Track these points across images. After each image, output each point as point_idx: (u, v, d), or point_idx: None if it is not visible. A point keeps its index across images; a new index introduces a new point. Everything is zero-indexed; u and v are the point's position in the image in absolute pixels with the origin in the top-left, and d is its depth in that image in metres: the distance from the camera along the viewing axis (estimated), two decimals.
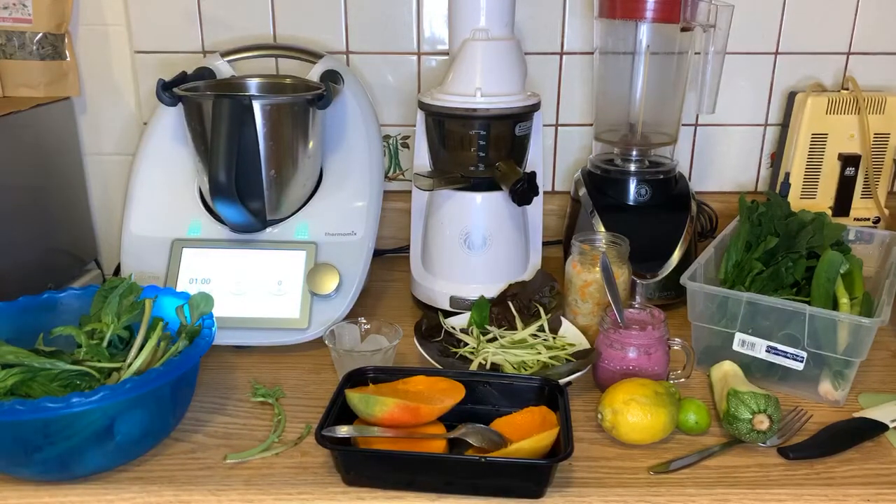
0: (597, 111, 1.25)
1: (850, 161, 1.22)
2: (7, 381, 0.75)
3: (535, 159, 1.13)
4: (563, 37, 1.27)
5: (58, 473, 0.74)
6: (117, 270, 1.15)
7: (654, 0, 1.07)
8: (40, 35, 1.18)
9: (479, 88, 1.02)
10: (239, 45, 1.17)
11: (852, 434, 0.82)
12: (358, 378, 0.83)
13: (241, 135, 0.94)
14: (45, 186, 1.18)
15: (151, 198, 1.07)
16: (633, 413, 0.79)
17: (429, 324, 1.00)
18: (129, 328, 0.86)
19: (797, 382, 0.90)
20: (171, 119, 1.08)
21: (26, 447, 0.71)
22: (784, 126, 1.29)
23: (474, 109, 1.02)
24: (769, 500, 0.73)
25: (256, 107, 0.96)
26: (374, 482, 0.74)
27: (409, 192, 1.16)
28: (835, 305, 0.90)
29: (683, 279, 0.93)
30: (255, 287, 1.00)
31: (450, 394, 0.80)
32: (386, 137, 1.31)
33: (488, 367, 0.92)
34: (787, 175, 1.24)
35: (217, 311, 0.86)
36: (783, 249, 0.98)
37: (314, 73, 1.13)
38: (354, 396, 0.77)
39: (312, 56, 1.15)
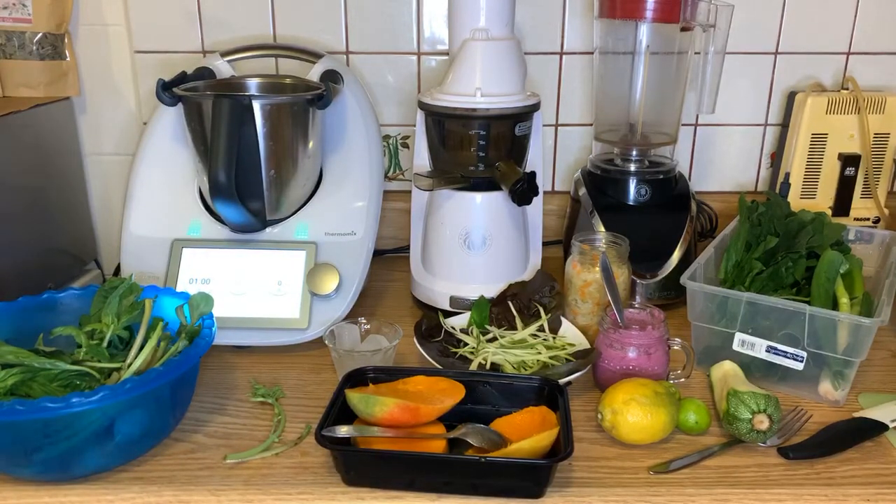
0: (597, 111, 1.25)
1: (850, 161, 1.22)
2: (7, 381, 0.75)
3: (535, 159, 1.13)
4: (563, 37, 1.28)
5: (58, 473, 0.74)
6: (117, 270, 1.15)
7: (654, 0, 1.07)
8: (40, 35, 1.18)
9: (479, 88, 1.02)
10: (239, 45, 1.17)
11: (852, 434, 0.82)
12: (358, 378, 0.83)
13: (240, 135, 0.94)
14: (45, 186, 1.18)
15: (151, 198, 1.07)
16: (633, 413, 0.79)
17: (429, 324, 1.00)
18: (129, 328, 0.86)
19: (797, 382, 0.90)
20: (171, 119, 1.08)
21: (26, 447, 0.71)
22: (784, 126, 1.29)
23: (474, 109, 1.02)
24: (769, 500, 0.73)
25: (256, 107, 0.96)
26: (374, 482, 0.74)
27: (409, 192, 1.16)
28: (835, 305, 0.90)
29: (683, 279, 0.93)
30: (255, 287, 1.00)
31: (450, 394, 0.80)
32: (386, 137, 1.31)
33: (488, 367, 0.92)
34: (787, 175, 1.24)
35: (217, 311, 0.86)
36: (783, 249, 0.98)
37: (314, 73, 1.13)
38: (354, 396, 0.77)
39: (312, 56, 1.15)
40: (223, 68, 1.13)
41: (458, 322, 1.02)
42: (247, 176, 0.98)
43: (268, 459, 0.79)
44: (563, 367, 0.90)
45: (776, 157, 1.32)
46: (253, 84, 1.12)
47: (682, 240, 1.12)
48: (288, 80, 1.12)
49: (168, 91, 0.99)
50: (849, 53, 1.29)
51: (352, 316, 1.00)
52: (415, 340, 0.95)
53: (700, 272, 0.96)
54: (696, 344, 0.96)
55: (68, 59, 1.22)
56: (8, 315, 0.85)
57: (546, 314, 1.00)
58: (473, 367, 0.92)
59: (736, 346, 0.92)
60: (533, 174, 1.01)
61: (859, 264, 0.96)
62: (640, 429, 0.79)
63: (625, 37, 1.16)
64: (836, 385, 0.88)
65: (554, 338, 0.98)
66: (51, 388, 0.76)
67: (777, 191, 1.24)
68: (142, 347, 0.80)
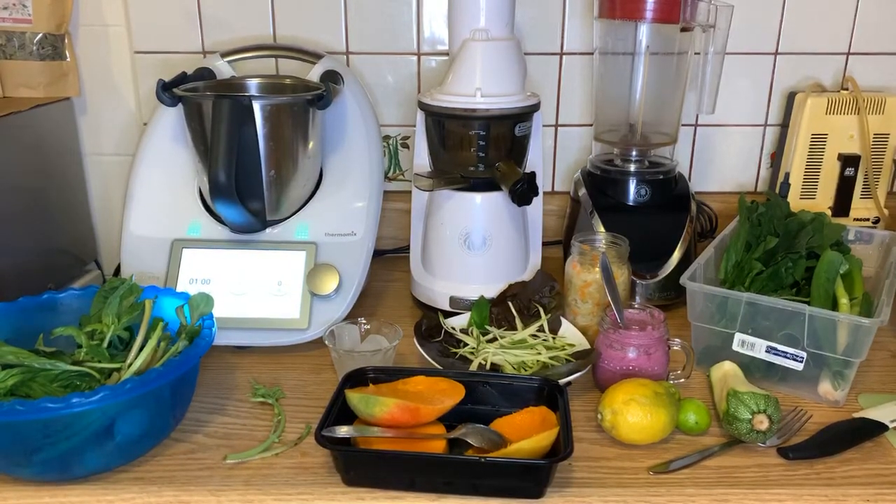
0: (597, 111, 1.25)
1: (849, 161, 1.22)
2: (7, 381, 0.75)
3: (535, 159, 1.13)
4: (563, 37, 1.28)
5: (58, 474, 0.74)
6: (117, 271, 1.15)
7: (654, 0, 1.08)
8: (40, 35, 1.18)
9: (479, 89, 1.02)
10: (239, 46, 1.17)
11: (852, 434, 0.82)
12: (358, 378, 0.83)
13: (240, 135, 0.94)
14: (45, 187, 1.18)
15: (151, 198, 1.07)
16: (633, 413, 0.79)
17: (429, 324, 1.00)
18: (130, 329, 0.86)
19: (797, 382, 0.90)
20: (171, 119, 1.08)
21: (26, 447, 0.71)
22: (784, 126, 1.29)
23: (474, 110, 1.02)
24: (769, 500, 0.73)
25: (256, 107, 0.96)
26: (374, 482, 0.74)
27: (409, 192, 1.16)
28: (834, 306, 0.90)
29: (683, 279, 0.93)
30: (255, 287, 1.00)
31: (450, 394, 0.80)
32: (386, 138, 1.31)
33: (488, 367, 0.92)
34: (787, 175, 1.24)
35: (217, 312, 0.86)
36: (783, 249, 0.98)
37: (314, 74, 1.13)
38: (354, 397, 0.77)
39: (312, 56, 1.15)
40: (223, 69, 1.14)
41: (458, 322, 1.02)
42: (247, 176, 0.98)
43: (268, 460, 0.79)
44: (563, 367, 0.90)
45: (776, 158, 1.32)
46: (253, 84, 1.12)
47: (681, 240, 1.12)
48: (288, 81, 1.12)
49: (168, 91, 0.99)
50: (849, 54, 1.29)
51: (352, 316, 1.00)
52: (415, 341, 0.95)
53: (700, 272, 0.96)
54: (696, 344, 0.96)
55: (68, 59, 1.22)
56: (8, 315, 0.85)
57: (546, 314, 1.00)
58: (473, 367, 0.92)
59: (736, 347, 0.92)
60: (533, 174, 1.01)
61: (859, 265, 0.96)
62: (640, 429, 0.79)
63: (625, 37, 1.16)
64: (836, 385, 0.88)
65: (554, 338, 0.98)
66: (51, 388, 0.76)
67: (777, 191, 1.24)
68: (142, 348, 0.80)
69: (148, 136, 1.10)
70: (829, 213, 1.19)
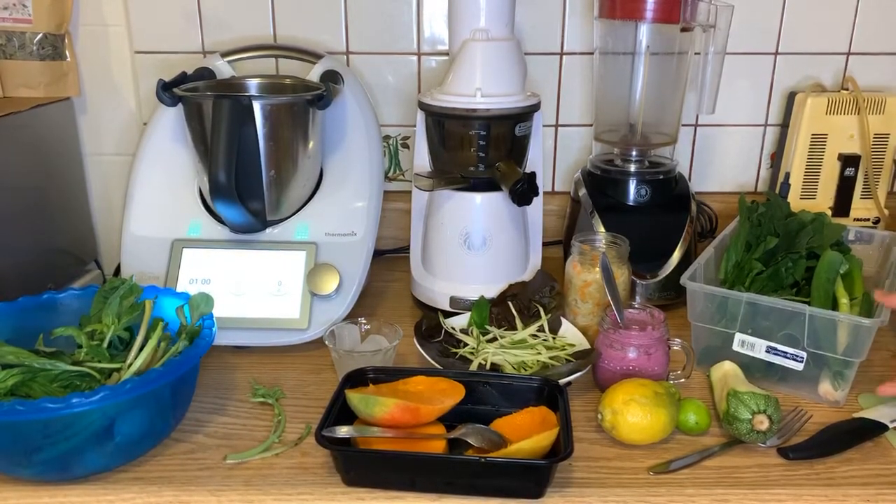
0: (597, 111, 1.25)
1: (849, 161, 1.22)
2: (7, 381, 0.75)
3: (535, 159, 1.13)
4: (563, 37, 1.28)
5: (57, 474, 0.74)
6: (117, 271, 1.15)
7: (654, 0, 1.07)
8: (40, 35, 1.18)
9: (479, 89, 1.02)
10: (239, 46, 1.17)
11: (852, 434, 0.82)
12: (358, 378, 0.83)
13: (241, 135, 0.94)
14: (45, 187, 1.18)
15: (151, 198, 1.07)
16: (633, 413, 0.79)
17: (429, 324, 1.00)
18: (130, 329, 0.86)
19: (797, 383, 0.90)
20: (171, 119, 1.08)
21: (26, 447, 0.71)
22: (784, 126, 1.29)
23: (474, 110, 1.02)
24: (769, 500, 0.73)
25: (256, 107, 0.96)
26: (374, 482, 0.74)
27: (409, 192, 1.16)
28: (834, 306, 0.90)
29: (683, 279, 0.93)
30: (255, 287, 1.00)
31: (450, 394, 0.80)
32: (386, 138, 1.31)
33: (488, 367, 0.92)
34: (787, 175, 1.24)
35: (217, 312, 0.86)
36: (783, 250, 0.98)
37: (314, 74, 1.13)
38: (354, 397, 0.77)
39: (312, 56, 1.15)
40: (223, 69, 1.14)
41: (458, 322, 1.02)
42: (247, 176, 0.98)
43: (268, 460, 0.79)
44: (563, 367, 0.90)
45: (776, 158, 1.32)
46: (253, 84, 1.12)
47: (682, 240, 1.12)
48: (288, 81, 1.12)
49: (168, 91, 0.99)
50: (849, 54, 1.29)
51: (352, 316, 1.00)
52: (415, 341, 0.95)
53: (700, 272, 0.96)
54: (696, 344, 0.96)
55: (68, 59, 1.22)
56: (8, 315, 0.85)
57: (546, 314, 1.00)
58: (473, 367, 0.92)
59: (736, 347, 0.92)
60: (533, 174, 1.01)
61: (859, 265, 0.96)
62: (640, 429, 0.79)
63: (625, 37, 1.16)
64: (836, 385, 0.88)
65: (554, 338, 0.98)
66: (51, 388, 0.76)
67: (777, 191, 1.24)
68: (142, 348, 0.80)
69: (148, 136, 1.10)
70: (829, 213, 1.19)
